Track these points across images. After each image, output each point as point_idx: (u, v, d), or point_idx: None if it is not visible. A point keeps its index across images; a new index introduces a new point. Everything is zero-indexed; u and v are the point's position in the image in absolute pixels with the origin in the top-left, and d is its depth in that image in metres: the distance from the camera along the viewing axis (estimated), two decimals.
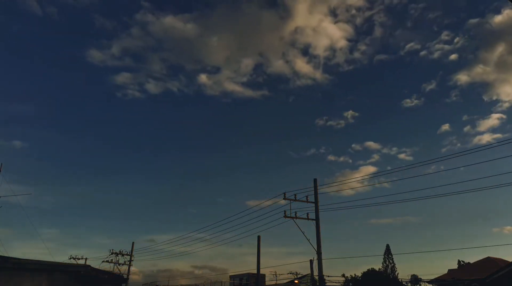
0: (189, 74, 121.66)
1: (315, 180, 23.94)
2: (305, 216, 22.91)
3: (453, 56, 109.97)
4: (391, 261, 66.88)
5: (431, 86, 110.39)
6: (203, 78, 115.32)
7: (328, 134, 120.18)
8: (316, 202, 23.37)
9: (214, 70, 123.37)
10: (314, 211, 23.16)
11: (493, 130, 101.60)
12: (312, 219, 22.89)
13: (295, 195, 23.40)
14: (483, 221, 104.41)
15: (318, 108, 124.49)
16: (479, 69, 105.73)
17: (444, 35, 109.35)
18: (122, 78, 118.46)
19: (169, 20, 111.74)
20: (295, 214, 22.86)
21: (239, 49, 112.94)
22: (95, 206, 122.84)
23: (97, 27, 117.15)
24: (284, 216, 22.80)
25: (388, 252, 67.92)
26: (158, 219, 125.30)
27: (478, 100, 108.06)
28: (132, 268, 44.83)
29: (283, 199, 23.18)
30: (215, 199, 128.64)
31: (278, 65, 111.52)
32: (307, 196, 23.53)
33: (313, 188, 23.78)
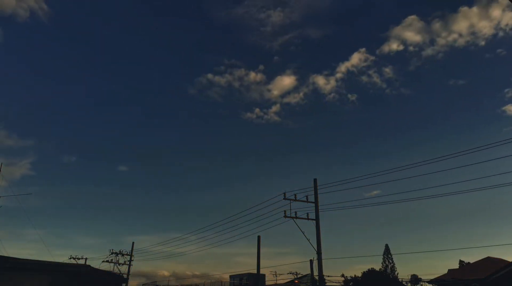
0: (244, 106, 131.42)
1: (315, 180, 23.94)
2: (305, 216, 22.93)
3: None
4: (390, 261, 66.83)
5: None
6: (256, 111, 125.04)
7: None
8: (316, 202, 23.37)
9: (268, 105, 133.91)
10: (314, 211, 23.17)
11: None
12: (312, 219, 22.89)
13: (295, 195, 23.42)
14: (483, 221, 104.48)
15: (354, 131, 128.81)
16: None
17: None
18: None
19: (243, 72, 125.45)
20: (295, 214, 22.87)
21: (294, 87, 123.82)
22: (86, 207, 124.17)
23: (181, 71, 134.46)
24: (284, 216, 22.81)
25: (387, 252, 67.89)
26: (156, 219, 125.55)
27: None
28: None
29: (283, 199, 23.21)
30: (214, 200, 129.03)
31: (328, 99, 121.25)
32: (307, 196, 23.55)
33: (313, 188, 23.79)
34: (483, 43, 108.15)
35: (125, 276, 41.83)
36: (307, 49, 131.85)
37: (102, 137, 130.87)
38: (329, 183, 24.61)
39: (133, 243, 46.32)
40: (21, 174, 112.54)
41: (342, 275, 42.61)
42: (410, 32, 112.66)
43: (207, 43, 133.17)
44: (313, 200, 23.47)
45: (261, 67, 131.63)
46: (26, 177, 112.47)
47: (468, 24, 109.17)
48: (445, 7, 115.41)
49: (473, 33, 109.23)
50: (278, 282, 48.22)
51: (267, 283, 48.47)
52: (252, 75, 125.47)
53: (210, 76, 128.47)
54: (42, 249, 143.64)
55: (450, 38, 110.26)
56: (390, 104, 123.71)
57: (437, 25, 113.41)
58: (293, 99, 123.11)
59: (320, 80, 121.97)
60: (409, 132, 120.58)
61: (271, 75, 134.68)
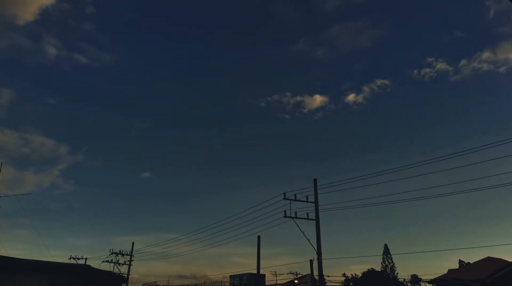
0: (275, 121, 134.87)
1: (315, 180, 23.94)
2: (305, 216, 22.93)
3: None
4: (390, 261, 66.81)
5: None
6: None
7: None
8: (316, 202, 23.37)
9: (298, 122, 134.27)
10: (314, 211, 23.17)
11: None
12: (312, 219, 22.89)
13: (295, 195, 23.41)
14: (483, 221, 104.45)
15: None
16: None
17: None
18: None
19: (282, 94, 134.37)
20: (295, 214, 22.87)
21: (324, 105, 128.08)
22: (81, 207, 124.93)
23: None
24: (284, 216, 22.81)
25: (386, 252, 67.87)
26: (156, 219, 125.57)
27: None
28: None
29: (283, 199, 23.21)
30: (214, 199, 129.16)
31: (353, 115, 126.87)
32: (307, 196, 23.55)
33: (313, 188, 23.79)
34: (504, 71, 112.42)
35: (125, 276, 41.82)
36: (346, 76, 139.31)
37: (127, 143, 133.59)
38: (329, 183, 24.62)
39: (133, 243, 46.41)
40: (50, 181, 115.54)
41: (343, 275, 42.63)
42: (440, 63, 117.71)
43: (254, 73, 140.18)
44: (313, 200, 23.48)
45: (300, 90, 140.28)
46: (56, 184, 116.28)
47: (493, 56, 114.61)
48: (472, 46, 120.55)
49: (495, 63, 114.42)
50: (278, 282, 48.26)
51: (267, 283, 48.50)
52: (289, 95, 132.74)
53: (251, 100, 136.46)
54: (40, 250, 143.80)
55: (475, 68, 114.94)
56: (406, 116, 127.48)
57: (463, 61, 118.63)
58: (320, 115, 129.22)
59: (349, 98, 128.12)
60: (418, 137, 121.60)
61: (305, 95, 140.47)
